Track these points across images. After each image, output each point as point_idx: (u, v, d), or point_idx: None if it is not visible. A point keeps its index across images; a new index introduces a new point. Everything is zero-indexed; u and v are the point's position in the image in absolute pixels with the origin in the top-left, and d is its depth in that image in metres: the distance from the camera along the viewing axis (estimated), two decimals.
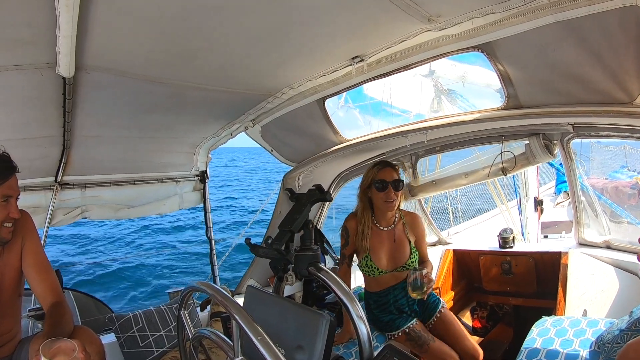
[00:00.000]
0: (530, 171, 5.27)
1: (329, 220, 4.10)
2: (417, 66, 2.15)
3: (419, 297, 2.43)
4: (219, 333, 1.49)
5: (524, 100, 2.09)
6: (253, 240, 1.86)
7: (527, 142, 2.82)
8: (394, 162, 3.22)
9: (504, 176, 3.03)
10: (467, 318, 3.75)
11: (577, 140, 2.80)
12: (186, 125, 2.90)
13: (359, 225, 2.72)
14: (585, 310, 2.89)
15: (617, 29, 1.61)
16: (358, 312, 1.45)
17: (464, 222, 6.13)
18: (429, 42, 1.93)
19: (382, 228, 2.76)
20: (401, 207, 2.94)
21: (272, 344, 1.11)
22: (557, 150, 2.81)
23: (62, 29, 1.33)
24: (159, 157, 3.29)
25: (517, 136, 2.85)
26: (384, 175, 2.64)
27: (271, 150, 3.11)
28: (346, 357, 2.45)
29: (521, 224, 5.25)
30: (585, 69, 1.83)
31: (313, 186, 2.19)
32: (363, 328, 1.44)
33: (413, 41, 1.90)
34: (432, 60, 2.09)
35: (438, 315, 2.74)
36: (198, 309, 2.99)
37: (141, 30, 1.57)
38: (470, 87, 3.84)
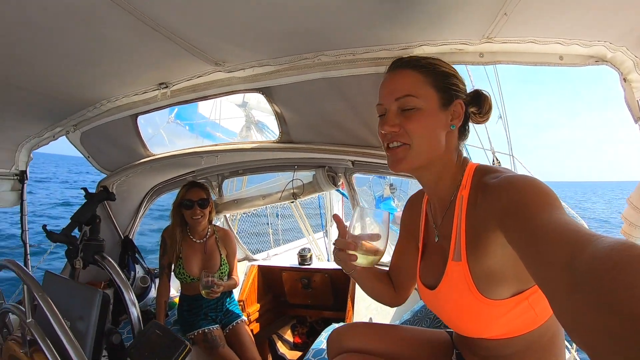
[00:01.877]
0: (335, 199, 5.97)
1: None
2: (216, 97, 2.40)
3: (206, 295, 2.79)
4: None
5: (295, 137, 2.45)
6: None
7: (314, 172, 3.22)
8: (202, 181, 3.49)
9: (294, 200, 3.40)
10: (288, 335, 4.03)
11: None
12: (9, 122, 2.74)
13: (174, 236, 3.01)
14: (370, 318, 3.31)
15: (370, 89, 1.97)
16: (131, 298, 1.80)
17: (284, 244, 6.61)
18: (222, 80, 2.19)
19: (195, 240, 3.08)
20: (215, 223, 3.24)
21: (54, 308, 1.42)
22: (342, 181, 3.24)
23: None
24: None
25: (307, 166, 3.25)
26: (191, 195, 3.02)
27: (88, 156, 3.11)
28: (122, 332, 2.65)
29: (326, 246, 5.83)
30: (344, 118, 2.21)
31: (101, 186, 2.59)
32: (134, 311, 1.79)
33: (208, 77, 2.15)
34: (228, 95, 2.35)
35: (234, 324, 3.06)
36: None
37: None
38: None
